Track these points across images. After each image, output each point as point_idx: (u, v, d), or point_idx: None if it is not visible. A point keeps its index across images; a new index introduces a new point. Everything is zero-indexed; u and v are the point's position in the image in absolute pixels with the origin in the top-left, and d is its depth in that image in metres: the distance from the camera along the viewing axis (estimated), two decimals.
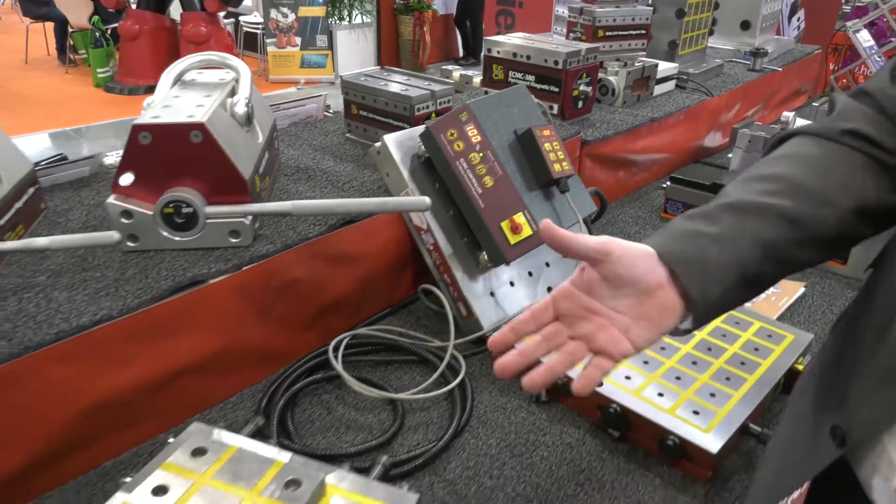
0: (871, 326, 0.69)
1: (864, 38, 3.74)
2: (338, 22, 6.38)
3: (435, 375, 1.12)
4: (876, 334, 0.66)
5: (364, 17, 6.79)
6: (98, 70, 6.19)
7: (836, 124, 0.73)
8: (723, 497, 0.94)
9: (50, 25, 6.76)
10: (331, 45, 6.15)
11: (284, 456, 0.72)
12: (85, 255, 1.06)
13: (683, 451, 0.96)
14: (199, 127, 1.02)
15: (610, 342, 0.66)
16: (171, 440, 0.76)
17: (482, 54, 1.89)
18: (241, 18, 7.24)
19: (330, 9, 6.20)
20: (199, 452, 0.72)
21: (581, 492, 0.94)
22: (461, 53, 8.01)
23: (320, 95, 1.75)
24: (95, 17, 5.78)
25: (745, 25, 2.72)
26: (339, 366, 1.11)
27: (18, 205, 1.06)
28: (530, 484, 0.95)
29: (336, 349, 1.15)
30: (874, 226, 0.71)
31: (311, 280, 1.16)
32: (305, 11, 5.97)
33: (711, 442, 0.95)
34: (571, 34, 2.01)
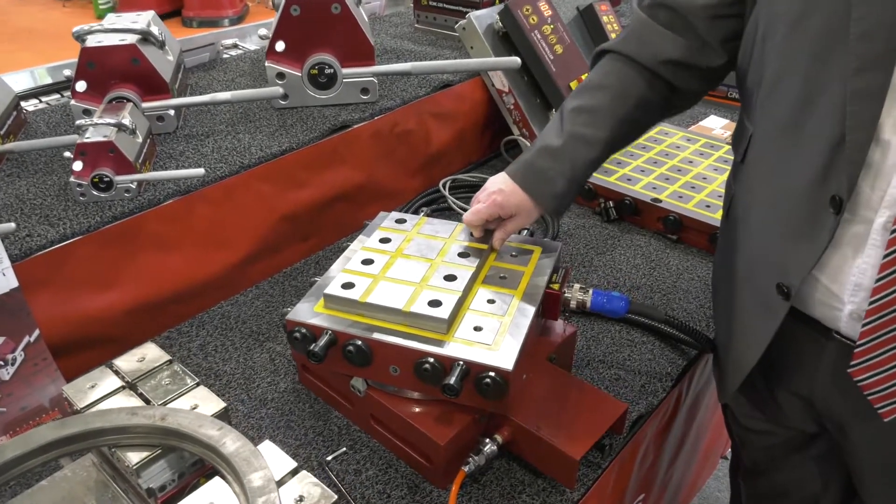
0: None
1: None
2: None
3: None
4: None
5: None
6: (99, 1, 6.16)
7: (649, 51, 0.89)
8: None
9: None
10: None
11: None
12: (245, 111, 1.31)
13: None
14: (339, 0, 1.25)
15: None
16: (366, 222, 1.03)
17: None
18: None
19: None
20: (385, 240, 0.97)
21: (655, 272, 1.24)
22: None
23: None
24: None
25: None
26: (449, 196, 1.39)
27: (9, 121, 1.22)
28: (615, 269, 1.25)
29: (444, 187, 1.43)
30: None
31: (420, 132, 1.42)
32: None
33: None
34: None
